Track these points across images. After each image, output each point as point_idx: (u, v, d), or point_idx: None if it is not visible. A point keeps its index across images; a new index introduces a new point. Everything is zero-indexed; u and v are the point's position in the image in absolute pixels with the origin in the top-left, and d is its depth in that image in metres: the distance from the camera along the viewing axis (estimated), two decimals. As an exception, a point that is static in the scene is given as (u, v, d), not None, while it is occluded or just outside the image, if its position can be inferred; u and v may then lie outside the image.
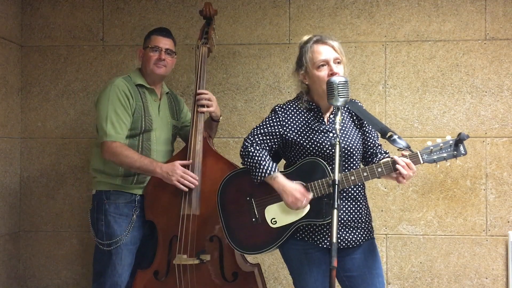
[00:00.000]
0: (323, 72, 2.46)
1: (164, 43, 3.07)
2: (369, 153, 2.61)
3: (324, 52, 2.49)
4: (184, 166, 2.91)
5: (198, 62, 3.10)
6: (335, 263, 2.05)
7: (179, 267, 2.88)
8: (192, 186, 2.89)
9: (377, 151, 2.61)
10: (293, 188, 2.43)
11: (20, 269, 3.86)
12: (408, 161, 2.39)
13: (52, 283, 3.85)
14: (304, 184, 2.46)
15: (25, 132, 3.87)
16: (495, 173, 3.64)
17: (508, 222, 3.64)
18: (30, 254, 3.86)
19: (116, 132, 2.91)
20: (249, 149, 2.53)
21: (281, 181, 2.45)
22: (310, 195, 2.42)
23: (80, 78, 3.85)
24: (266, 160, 2.50)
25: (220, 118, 3.17)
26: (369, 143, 2.61)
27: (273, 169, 2.48)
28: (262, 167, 2.48)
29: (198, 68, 3.08)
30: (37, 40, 3.88)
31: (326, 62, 2.47)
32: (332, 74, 2.44)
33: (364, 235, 2.54)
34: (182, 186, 2.87)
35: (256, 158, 2.50)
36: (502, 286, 3.63)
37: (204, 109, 3.02)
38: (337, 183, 2.16)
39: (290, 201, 2.42)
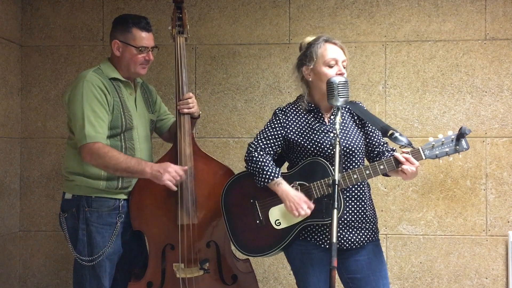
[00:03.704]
0: (332, 71, 2.48)
1: (149, 39, 2.78)
2: (376, 152, 2.60)
3: (336, 51, 2.52)
4: None
5: (177, 55, 2.83)
6: (334, 263, 2.05)
7: (184, 280, 2.75)
8: (179, 178, 2.65)
9: (383, 149, 2.60)
10: (296, 195, 2.43)
11: (20, 269, 3.86)
12: (408, 156, 2.39)
13: (52, 283, 3.85)
14: (307, 184, 2.46)
15: (25, 132, 3.87)
16: (495, 173, 3.64)
17: (508, 222, 3.64)
18: (30, 254, 3.86)
19: (96, 132, 2.61)
20: (253, 154, 2.54)
21: (285, 188, 2.46)
22: (312, 205, 2.42)
23: (80, 78, 3.85)
24: (270, 165, 2.50)
25: (200, 114, 2.94)
26: (373, 142, 2.60)
27: (276, 175, 2.48)
28: (265, 172, 2.49)
29: (178, 61, 2.82)
30: (37, 40, 3.88)
31: (336, 62, 2.50)
32: (340, 74, 2.47)
33: (368, 236, 2.54)
34: (173, 186, 2.64)
35: (260, 163, 2.51)
36: (502, 286, 3.63)
37: (186, 111, 2.80)
38: (337, 183, 2.16)
39: (293, 207, 2.42)
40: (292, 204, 2.42)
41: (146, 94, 2.98)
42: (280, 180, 2.48)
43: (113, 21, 2.84)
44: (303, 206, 2.40)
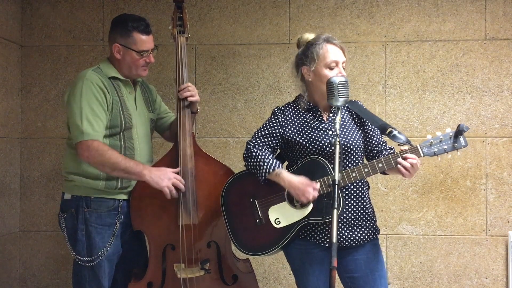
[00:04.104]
0: (332, 73, 2.48)
1: (149, 41, 2.76)
2: (375, 151, 2.61)
3: (336, 53, 2.52)
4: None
5: (177, 55, 2.82)
6: (335, 263, 2.05)
7: (185, 280, 2.75)
8: (182, 188, 2.68)
9: (382, 148, 2.60)
10: (300, 181, 2.43)
11: (20, 269, 3.86)
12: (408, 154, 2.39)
13: (52, 283, 3.85)
14: None
15: (25, 132, 3.87)
16: (495, 173, 3.64)
17: (508, 222, 3.64)
18: (30, 254, 3.86)
19: (94, 130, 2.59)
20: (252, 150, 2.55)
21: (287, 176, 2.46)
22: (318, 185, 2.42)
23: (80, 78, 3.84)
24: (269, 158, 2.52)
25: (198, 109, 2.91)
26: (372, 141, 2.61)
27: (277, 166, 2.49)
28: (265, 164, 2.49)
29: (179, 61, 2.82)
30: (37, 40, 3.88)
31: (336, 64, 2.50)
32: None
33: (368, 235, 2.54)
34: (169, 195, 2.65)
35: (259, 157, 2.51)
36: (502, 286, 3.63)
37: (190, 98, 2.78)
38: (337, 183, 2.17)
39: (299, 194, 2.42)
40: (298, 191, 2.42)
41: (146, 93, 2.97)
42: (280, 170, 2.48)
43: (112, 22, 2.82)
44: (309, 190, 2.40)
